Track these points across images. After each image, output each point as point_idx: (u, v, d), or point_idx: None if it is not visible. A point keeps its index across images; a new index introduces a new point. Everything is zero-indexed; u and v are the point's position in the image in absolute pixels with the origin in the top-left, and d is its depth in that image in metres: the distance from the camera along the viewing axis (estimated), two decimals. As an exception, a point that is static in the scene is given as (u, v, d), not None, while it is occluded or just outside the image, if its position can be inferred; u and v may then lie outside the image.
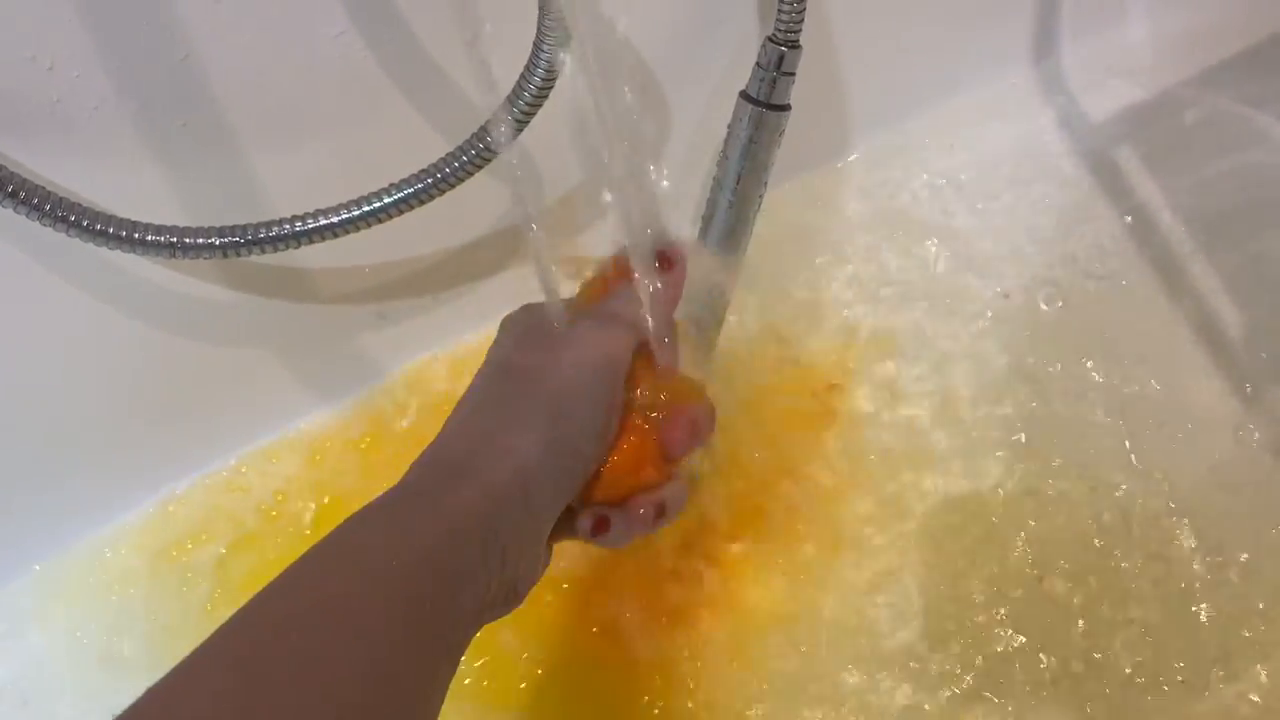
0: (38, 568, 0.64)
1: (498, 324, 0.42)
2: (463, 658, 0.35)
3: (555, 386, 0.38)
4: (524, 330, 0.42)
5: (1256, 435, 0.60)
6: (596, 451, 0.39)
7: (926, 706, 0.55)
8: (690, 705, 0.56)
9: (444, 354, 0.66)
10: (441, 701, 0.33)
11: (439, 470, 0.37)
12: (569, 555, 0.59)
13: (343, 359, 0.64)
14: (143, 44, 0.43)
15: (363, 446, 0.64)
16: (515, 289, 0.63)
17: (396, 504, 0.35)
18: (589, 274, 0.44)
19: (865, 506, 0.60)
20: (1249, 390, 0.61)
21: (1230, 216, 0.67)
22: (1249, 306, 0.64)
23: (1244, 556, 0.56)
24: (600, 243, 0.63)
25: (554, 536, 0.39)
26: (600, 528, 0.39)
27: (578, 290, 0.44)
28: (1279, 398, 0.61)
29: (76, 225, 0.45)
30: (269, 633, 0.31)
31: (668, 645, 0.57)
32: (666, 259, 0.42)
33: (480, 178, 0.49)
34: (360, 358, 0.64)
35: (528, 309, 0.42)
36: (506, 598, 0.36)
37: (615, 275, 0.42)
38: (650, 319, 0.41)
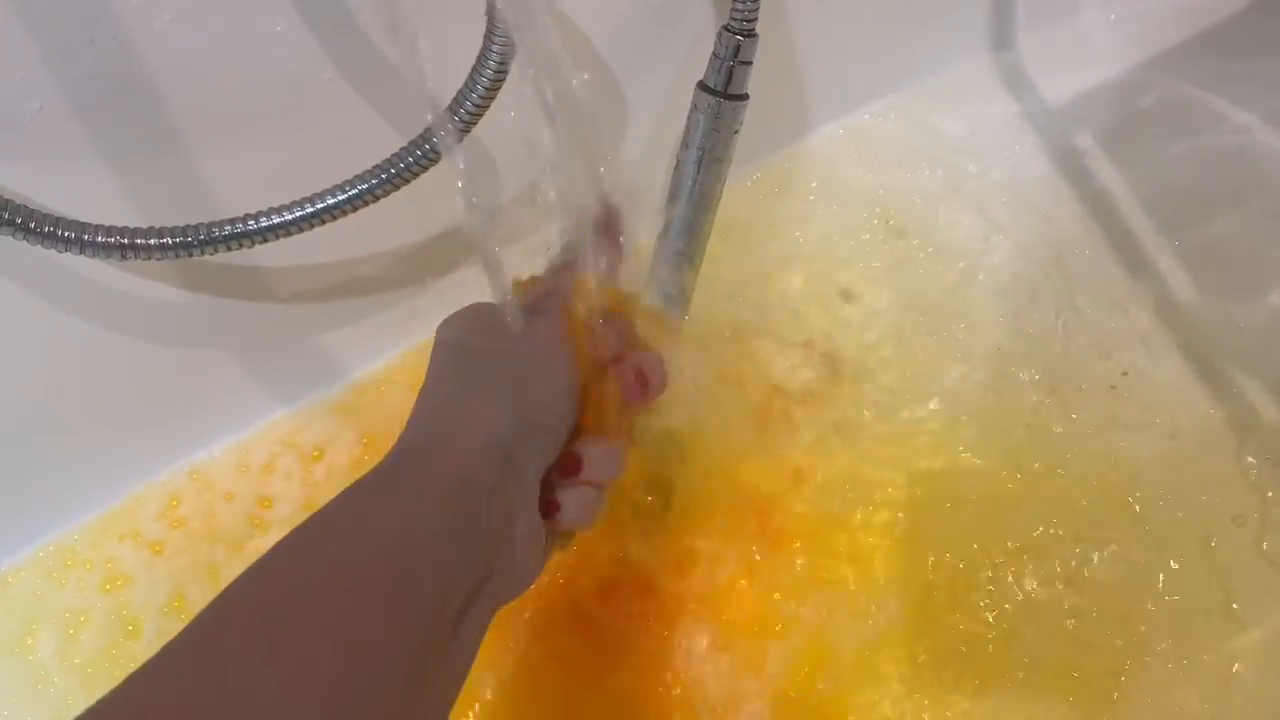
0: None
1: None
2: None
3: (513, 356, 0.39)
4: (471, 317, 0.42)
5: (1213, 414, 0.61)
6: (567, 411, 0.39)
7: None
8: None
9: (402, 352, 0.66)
10: (445, 688, 0.33)
11: (409, 451, 0.37)
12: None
13: (299, 359, 0.63)
14: (87, 44, 0.42)
15: (319, 448, 0.64)
16: (474, 286, 0.63)
17: (366, 488, 0.35)
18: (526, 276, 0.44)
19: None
20: (1208, 369, 0.62)
21: (1188, 198, 0.68)
22: (1207, 286, 0.65)
23: (1201, 540, 0.57)
24: (557, 239, 0.63)
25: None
26: (552, 509, 0.39)
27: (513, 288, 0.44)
28: (1236, 376, 0.62)
29: (24, 228, 0.44)
30: (236, 625, 0.30)
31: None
32: (606, 223, 0.42)
33: (435, 174, 0.48)
34: (317, 357, 0.64)
35: (473, 306, 0.43)
36: (506, 570, 0.36)
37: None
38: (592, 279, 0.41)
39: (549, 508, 0.39)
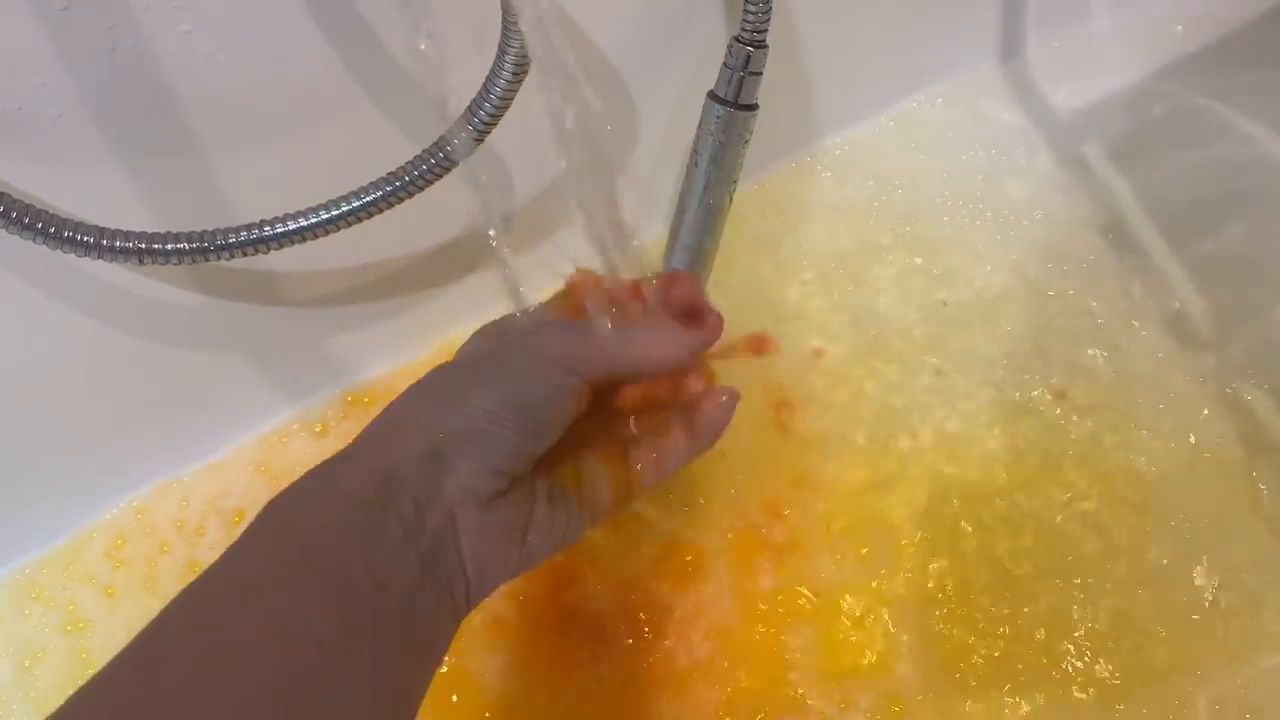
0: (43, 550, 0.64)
1: (468, 327, 0.43)
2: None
3: (489, 363, 0.40)
4: (488, 329, 0.43)
5: (1221, 426, 0.61)
6: (515, 413, 0.38)
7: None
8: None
9: (415, 357, 0.66)
10: (403, 669, 0.34)
11: (345, 452, 0.38)
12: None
13: (313, 363, 0.64)
14: (107, 52, 0.43)
15: (331, 450, 0.63)
16: (485, 292, 0.64)
17: (301, 482, 0.36)
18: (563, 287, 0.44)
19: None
20: (1214, 381, 0.62)
21: (1197, 208, 0.68)
22: (1215, 297, 0.65)
23: (1205, 555, 0.57)
24: (568, 246, 0.63)
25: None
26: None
27: (552, 302, 0.44)
28: (1243, 388, 0.62)
29: (43, 232, 0.45)
30: (181, 629, 0.32)
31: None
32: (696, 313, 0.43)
33: (448, 181, 0.49)
34: (330, 362, 0.64)
35: (506, 317, 0.43)
36: (453, 563, 0.36)
37: (580, 285, 0.43)
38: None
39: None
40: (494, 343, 0.42)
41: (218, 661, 0.30)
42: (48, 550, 0.63)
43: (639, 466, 0.42)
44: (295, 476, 0.36)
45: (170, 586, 0.61)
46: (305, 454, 0.65)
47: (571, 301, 0.43)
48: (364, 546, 0.34)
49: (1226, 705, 0.54)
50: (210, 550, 0.62)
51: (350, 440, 0.38)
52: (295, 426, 0.65)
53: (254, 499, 0.63)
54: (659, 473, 0.43)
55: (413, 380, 0.61)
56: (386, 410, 0.39)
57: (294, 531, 0.34)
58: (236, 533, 0.34)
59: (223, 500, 0.64)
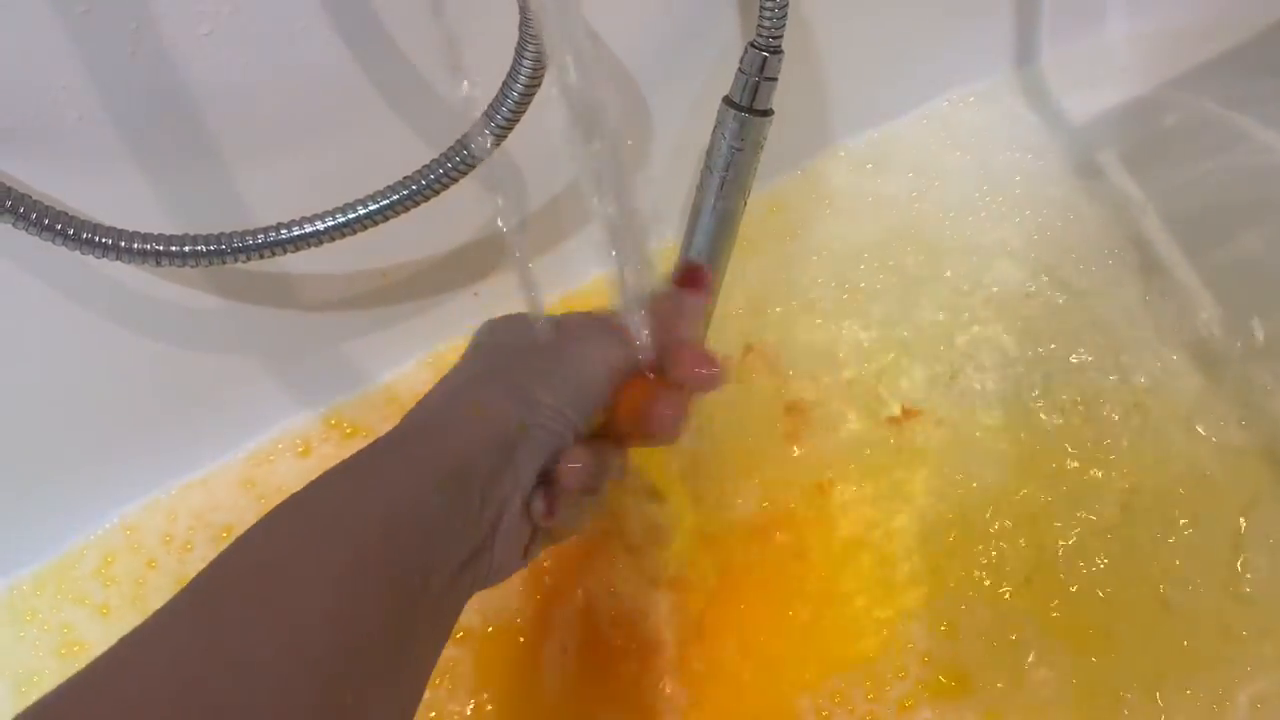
0: (17, 575, 0.63)
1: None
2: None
3: (533, 354, 0.40)
4: (506, 322, 0.43)
5: (1238, 435, 0.60)
6: (578, 415, 0.38)
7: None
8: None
9: (432, 357, 0.66)
10: (422, 661, 0.34)
11: (413, 427, 0.37)
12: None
13: (329, 365, 0.64)
14: (125, 53, 0.43)
15: (348, 452, 0.63)
16: (502, 295, 0.64)
17: (366, 457, 0.36)
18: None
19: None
20: (1227, 388, 0.62)
21: (1211, 217, 0.68)
22: (1230, 305, 0.64)
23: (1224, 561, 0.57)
24: (584, 250, 0.63)
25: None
26: (549, 508, 0.39)
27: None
28: (1256, 395, 0.61)
29: (62, 234, 0.45)
30: (233, 583, 0.31)
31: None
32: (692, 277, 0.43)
33: (465, 184, 0.49)
34: (346, 364, 0.65)
35: (513, 314, 0.43)
36: (488, 558, 0.36)
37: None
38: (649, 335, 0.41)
39: (549, 507, 0.39)
40: (513, 330, 0.42)
41: (275, 639, 0.29)
42: (38, 568, 0.63)
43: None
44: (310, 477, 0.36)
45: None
46: (324, 456, 0.65)
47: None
48: (428, 542, 0.33)
49: (1269, 704, 0.53)
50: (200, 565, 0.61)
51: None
52: (313, 428, 0.65)
53: (240, 515, 0.62)
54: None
55: (432, 381, 0.61)
56: (446, 389, 0.39)
57: (366, 510, 0.33)
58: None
59: (211, 515, 0.63)
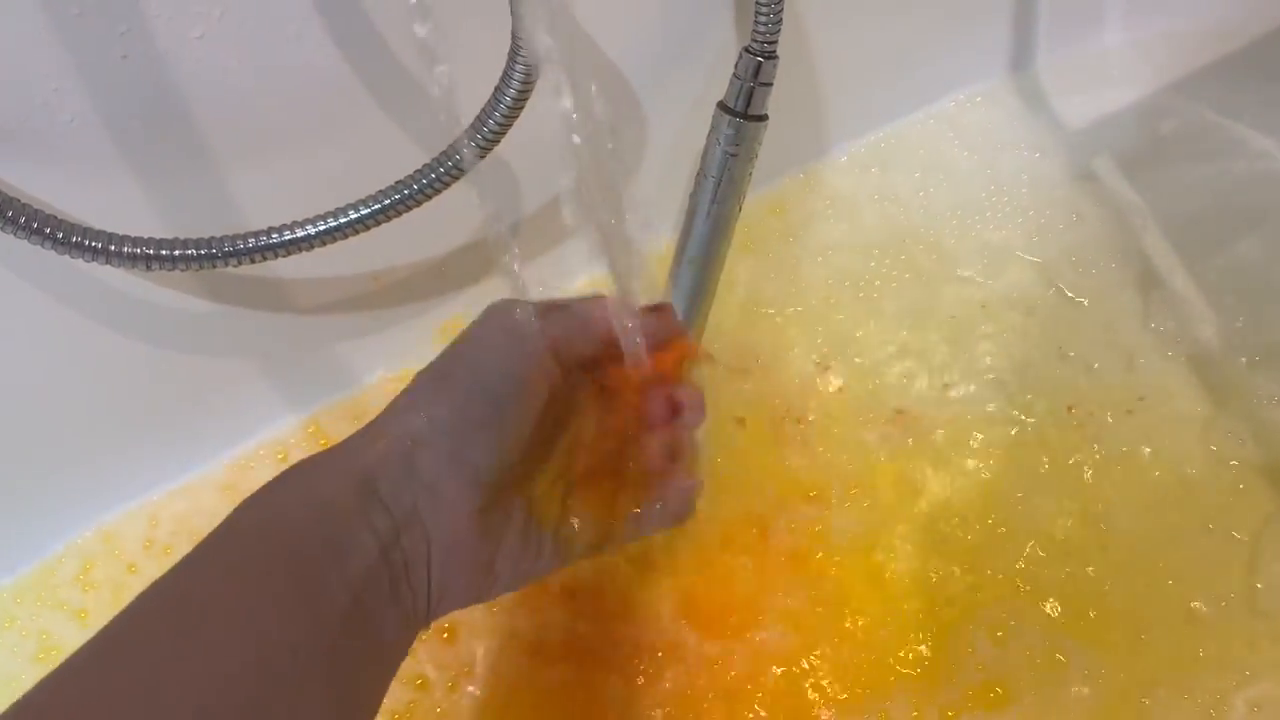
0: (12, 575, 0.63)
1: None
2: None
3: (452, 351, 0.40)
4: (484, 316, 0.42)
5: (1227, 441, 0.60)
6: (488, 416, 0.38)
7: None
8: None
9: (421, 364, 0.66)
10: (367, 679, 0.34)
11: (335, 446, 0.38)
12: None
13: (320, 370, 0.64)
14: (118, 56, 0.43)
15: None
16: (494, 300, 0.64)
17: (285, 480, 0.36)
18: None
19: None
20: (1221, 396, 0.62)
21: (1207, 223, 0.68)
22: (1225, 312, 0.64)
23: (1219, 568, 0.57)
24: (576, 256, 0.63)
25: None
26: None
27: None
28: (1251, 403, 0.61)
29: (51, 238, 0.45)
30: (150, 622, 0.31)
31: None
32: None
33: (457, 189, 0.49)
34: (338, 369, 0.64)
35: (507, 300, 0.42)
36: (420, 571, 0.36)
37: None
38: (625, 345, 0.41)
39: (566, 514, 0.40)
40: (481, 327, 0.41)
41: (189, 660, 0.29)
42: (18, 576, 0.63)
43: (634, 510, 0.42)
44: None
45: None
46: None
47: None
48: (341, 555, 0.33)
49: (1265, 708, 0.53)
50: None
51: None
52: (304, 432, 0.65)
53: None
54: (640, 529, 0.43)
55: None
56: (375, 418, 0.39)
57: (273, 532, 0.34)
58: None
59: (195, 519, 0.63)
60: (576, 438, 0.42)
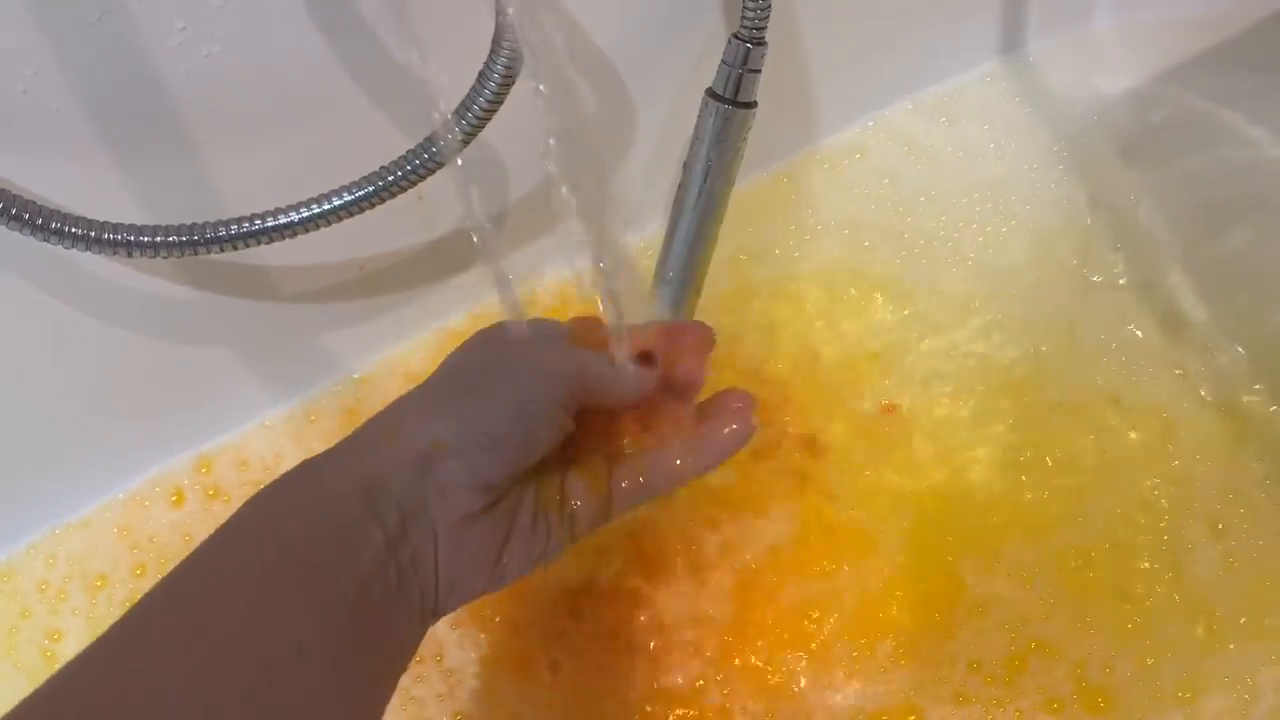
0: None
1: (457, 319, 0.43)
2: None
3: (490, 371, 0.40)
4: (487, 334, 0.43)
5: (1221, 430, 0.60)
6: (518, 435, 0.38)
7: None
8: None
9: (407, 351, 0.66)
10: (372, 671, 0.34)
11: (338, 449, 0.38)
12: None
13: (305, 357, 0.64)
14: (99, 42, 0.42)
15: (321, 445, 0.63)
16: (477, 288, 0.64)
17: (292, 477, 0.36)
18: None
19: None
20: (1213, 385, 0.62)
21: (1199, 213, 0.68)
22: (1217, 302, 0.64)
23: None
24: (560, 246, 0.63)
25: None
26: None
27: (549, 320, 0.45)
28: (1241, 393, 0.61)
29: (31, 224, 0.44)
30: (158, 620, 0.32)
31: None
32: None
33: (440, 176, 0.48)
34: (322, 356, 0.64)
35: (502, 323, 0.43)
36: (428, 571, 0.36)
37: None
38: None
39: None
40: (493, 349, 0.42)
41: (194, 656, 0.30)
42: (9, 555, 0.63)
43: (623, 484, 0.42)
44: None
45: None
46: (297, 449, 0.64)
47: (577, 330, 0.44)
48: (347, 552, 0.33)
49: None
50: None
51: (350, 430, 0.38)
52: (288, 421, 0.65)
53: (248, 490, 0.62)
54: (645, 492, 0.43)
55: (405, 374, 0.61)
56: (382, 412, 0.39)
57: (278, 530, 0.34)
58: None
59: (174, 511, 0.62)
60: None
